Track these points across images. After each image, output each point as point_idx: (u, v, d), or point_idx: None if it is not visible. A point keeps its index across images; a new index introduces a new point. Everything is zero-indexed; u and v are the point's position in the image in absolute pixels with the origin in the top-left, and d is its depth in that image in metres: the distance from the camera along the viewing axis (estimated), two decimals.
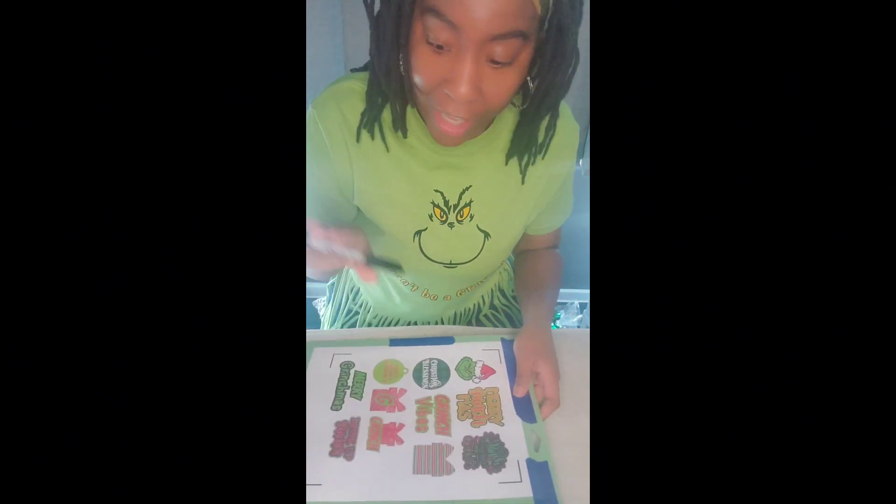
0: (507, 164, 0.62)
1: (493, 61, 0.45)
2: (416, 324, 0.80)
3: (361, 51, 1.38)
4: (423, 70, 0.47)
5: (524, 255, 0.78)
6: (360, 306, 0.84)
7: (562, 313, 1.90)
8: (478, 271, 0.70)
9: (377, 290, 0.78)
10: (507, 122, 0.61)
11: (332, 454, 0.50)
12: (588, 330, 0.73)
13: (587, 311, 1.88)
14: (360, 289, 0.82)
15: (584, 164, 1.31)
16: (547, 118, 0.56)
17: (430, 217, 0.63)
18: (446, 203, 0.63)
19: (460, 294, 0.77)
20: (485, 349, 0.64)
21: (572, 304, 1.90)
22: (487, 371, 0.61)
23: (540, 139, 0.59)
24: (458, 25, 0.42)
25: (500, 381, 0.59)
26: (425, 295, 0.75)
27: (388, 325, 0.82)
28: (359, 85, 0.57)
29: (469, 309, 0.82)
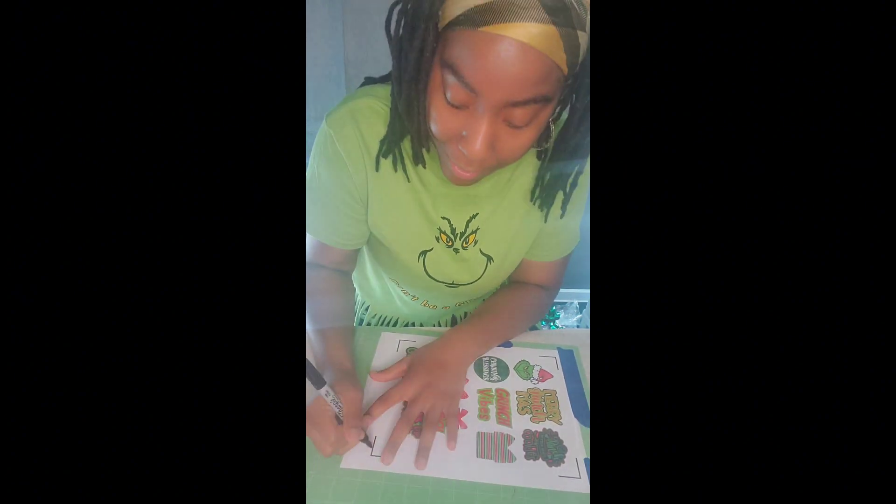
0: (534, 203, 0.61)
1: (511, 124, 0.44)
2: (413, 325, 0.80)
3: (361, 51, 1.39)
4: (439, 122, 0.46)
5: (508, 283, 0.74)
6: (358, 306, 0.84)
7: (561, 313, 1.90)
8: (479, 291, 0.70)
9: (377, 290, 0.78)
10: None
11: None
12: (588, 330, 0.73)
13: (587, 310, 1.89)
14: (357, 288, 0.82)
15: (584, 164, 1.31)
16: (574, 169, 0.54)
17: (437, 239, 0.63)
18: (453, 231, 0.63)
19: (459, 305, 0.78)
20: (542, 355, 0.65)
21: (572, 304, 1.90)
22: (545, 375, 0.62)
23: (565, 186, 0.57)
24: (476, 90, 0.41)
25: (557, 384, 0.61)
26: (425, 304, 0.76)
27: (387, 324, 0.82)
28: (378, 104, 0.55)
29: (468, 313, 0.83)
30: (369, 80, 0.59)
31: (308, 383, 0.57)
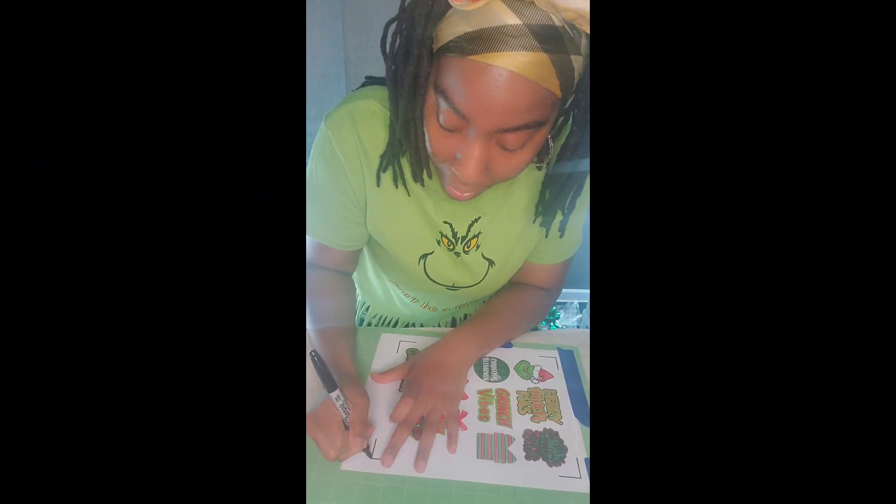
0: (535, 221, 0.61)
1: (505, 148, 0.44)
2: (413, 325, 0.80)
3: (361, 51, 1.39)
4: (434, 145, 0.46)
5: (509, 284, 0.73)
6: (359, 305, 0.84)
7: (561, 313, 1.90)
8: (479, 293, 0.70)
9: (378, 291, 0.78)
10: None
11: None
12: (588, 330, 0.73)
13: (587, 310, 1.88)
14: (358, 289, 0.83)
15: (583, 186, 1.31)
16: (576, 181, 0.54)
17: (438, 242, 0.63)
18: (454, 235, 0.62)
19: (459, 307, 0.78)
20: (542, 356, 0.66)
21: (572, 304, 1.90)
22: (545, 374, 0.63)
23: (563, 207, 0.57)
24: (467, 118, 0.41)
25: (557, 384, 0.61)
26: (425, 307, 0.76)
27: (387, 324, 0.82)
28: (377, 106, 0.55)
29: (467, 315, 0.83)
30: (370, 80, 0.59)
31: (310, 386, 0.57)
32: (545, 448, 0.52)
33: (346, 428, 0.48)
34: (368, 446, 0.50)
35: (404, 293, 0.73)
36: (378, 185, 0.57)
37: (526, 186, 0.60)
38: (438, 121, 0.44)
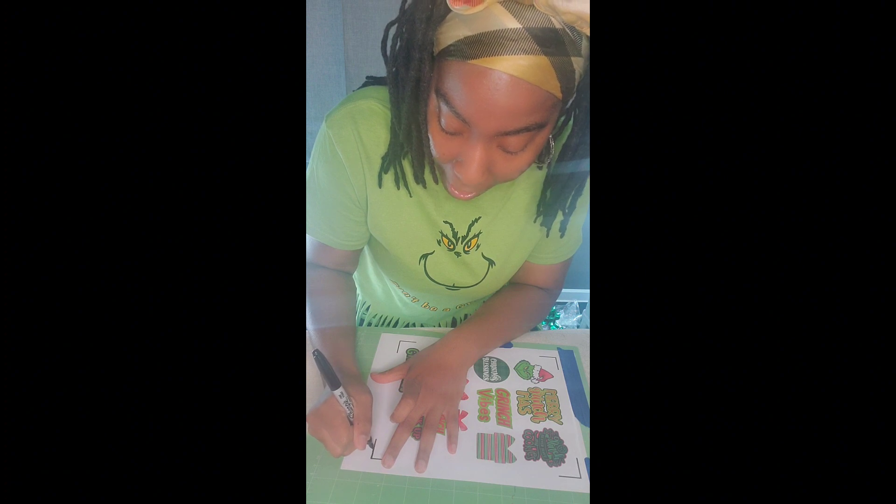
0: (535, 221, 0.61)
1: (506, 150, 0.44)
2: (414, 325, 0.80)
3: (361, 51, 1.39)
4: (436, 147, 0.46)
5: (509, 285, 0.73)
6: (359, 305, 0.84)
7: (561, 313, 1.90)
8: (480, 293, 0.70)
9: (378, 290, 0.78)
10: None
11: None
12: (588, 330, 0.73)
13: (587, 310, 1.88)
14: (359, 289, 0.83)
15: (584, 186, 1.30)
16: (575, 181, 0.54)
17: (438, 242, 0.63)
18: (455, 234, 0.63)
19: (460, 307, 0.78)
20: (542, 356, 0.66)
21: (572, 304, 1.90)
22: (545, 374, 0.63)
23: (564, 207, 0.57)
24: (468, 121, 0.41)
25: (557, 384, 0.61)
26: (425, 307, 0.76)
27: (387, 324, 0.82)
28: (378, 106, 0.54)
29: (467, 315, 0.83)
30: (371, 80, 0.59)
31: (309, 386, 0.57)
32: (545, 448, 0.52)
33: (351, 424, 0.49)
34: (371, 438, 0.50)
35: (404, 293, 0.73)
36: (380, 185, 0.57)
37: (526, 186, 0.60)
38: (440, 124, 0.44)
